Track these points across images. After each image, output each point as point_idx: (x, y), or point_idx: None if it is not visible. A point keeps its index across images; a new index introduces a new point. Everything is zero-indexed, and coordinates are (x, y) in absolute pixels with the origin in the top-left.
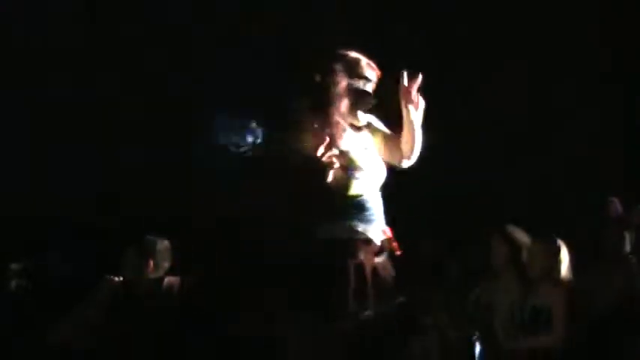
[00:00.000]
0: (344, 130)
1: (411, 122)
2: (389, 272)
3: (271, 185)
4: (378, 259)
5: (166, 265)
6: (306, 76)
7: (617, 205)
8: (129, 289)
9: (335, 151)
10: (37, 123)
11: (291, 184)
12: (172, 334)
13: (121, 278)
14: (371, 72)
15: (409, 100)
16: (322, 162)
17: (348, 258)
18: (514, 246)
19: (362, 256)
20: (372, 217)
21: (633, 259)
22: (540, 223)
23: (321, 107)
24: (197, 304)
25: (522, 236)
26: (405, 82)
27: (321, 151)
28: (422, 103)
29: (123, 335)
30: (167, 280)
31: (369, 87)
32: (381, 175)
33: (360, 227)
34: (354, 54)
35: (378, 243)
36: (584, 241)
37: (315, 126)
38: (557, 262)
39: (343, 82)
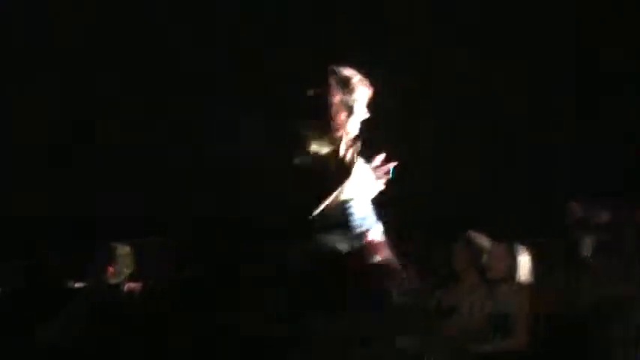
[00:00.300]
0: (342, 143)
1: None
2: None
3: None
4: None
5: (127, 271)
6: (302, 91)
7: (578, 208)
8: (89, 294)
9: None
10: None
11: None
12: (132, 339)
13: (82, 284)
14: (364, 87)
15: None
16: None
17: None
18: (475, 250)
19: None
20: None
21: (594, 262)
22: (501, 228)
23: (318, 120)
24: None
25: (483, 240)
26: (378, 162)
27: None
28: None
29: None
30: (127, 285)
31: (362, 102)
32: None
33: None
34: (347, 70)
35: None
36: (546, 245)
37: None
38: (517, 266)
39: (337, 97)
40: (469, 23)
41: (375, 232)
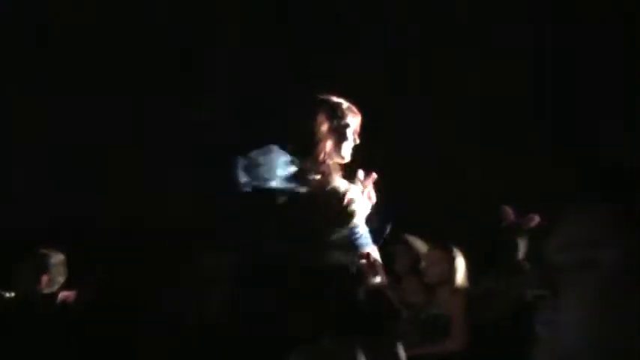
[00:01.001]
0: (333, 170)
1: None
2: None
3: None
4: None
5: (61, 279)
6: (291, 120)
7: (509, 212)
8: (22, 304)
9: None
10: None
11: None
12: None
13: (13, 294)
14: (352, 115)
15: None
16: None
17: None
18: (414, 254)
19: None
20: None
21: (526, 266)
22: (437, 232)
23: (308, 150)
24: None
25: (421, 245)
26: (361, 177)
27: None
28: (373, 198)
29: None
30: (62, 295)
31: (351, 129)
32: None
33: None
34: (335, 98)
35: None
36: (480, 249)
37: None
38: (453, 269)
39: (326, 125)
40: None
41: (374, 252)
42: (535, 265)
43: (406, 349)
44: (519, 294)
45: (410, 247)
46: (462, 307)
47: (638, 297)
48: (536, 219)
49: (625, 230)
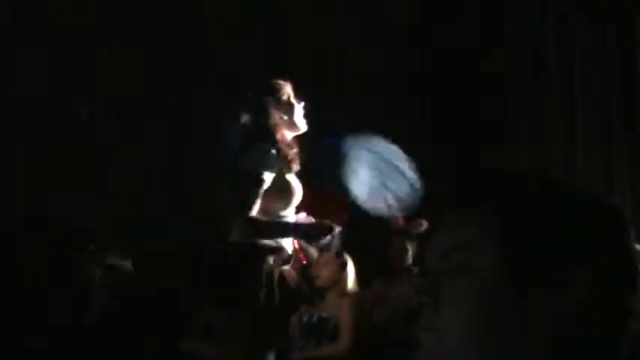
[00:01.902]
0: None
1: None
2: (294, 279)
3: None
4: (285, 267)
5: None
6: (240, 114)
7: (399, 218)
8: None
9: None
10: None
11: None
12: None
13: None
14: (287, 89)
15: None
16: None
17: (260, 262)
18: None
19: (271, 261)
20: None
21: (415, 270)
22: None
23: (261, 140)
24: None
25: (311, 250)
26: None
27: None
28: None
29: None
30: None
31: (299, 110)
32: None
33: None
34: (278, 83)
35: (289, 251)
36: (370, 253)
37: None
38: (343, 273)
39: (275, 114)
40: None
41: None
42: (421, 271)
43: (294, 352)
44: (407, 299)
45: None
46: (350, 311)
47: (513, 299)
48: (424, 224)
49: (499, 234)
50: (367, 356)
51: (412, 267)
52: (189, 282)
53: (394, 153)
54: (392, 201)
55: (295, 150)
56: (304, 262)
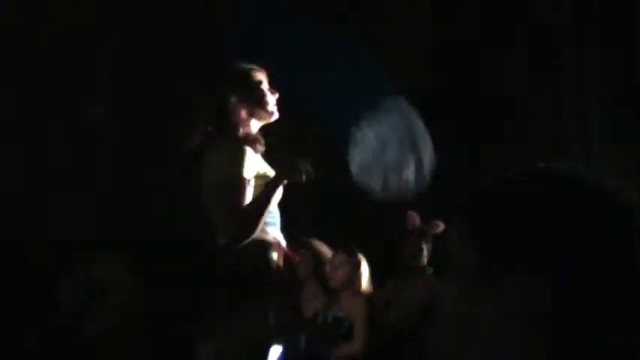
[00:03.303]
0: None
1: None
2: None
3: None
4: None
5: None
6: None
7: (415, 217)
8: None
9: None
10: None
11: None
12: None
13: None
14: (258, 75)
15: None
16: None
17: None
18: (317, 258)
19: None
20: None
21: (430, 271)
22: (341, 236)
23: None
24: None
25: (324, 249)
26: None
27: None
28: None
29: None
30: None
31: (262, 90)
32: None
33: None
34: (236, 67)
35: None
36: (384, 253)
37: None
38: (357, 273)
39: (237, 102)
40: None
41: (277, 233)
42: (437, 271)
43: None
44: (422, 299)
45: (311, 251)
46: (365, 311)
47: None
48: (441, 226)
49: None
50: (381, 356)
51: (428, 267)
52: (193, 283)
53: (421, 130)
54: (395, 178)
55: (262, 142)
56: (290, 253)
